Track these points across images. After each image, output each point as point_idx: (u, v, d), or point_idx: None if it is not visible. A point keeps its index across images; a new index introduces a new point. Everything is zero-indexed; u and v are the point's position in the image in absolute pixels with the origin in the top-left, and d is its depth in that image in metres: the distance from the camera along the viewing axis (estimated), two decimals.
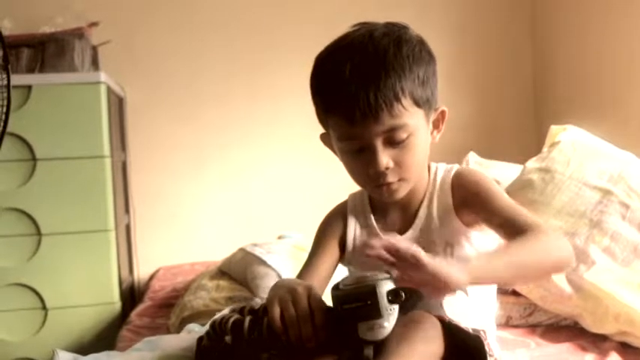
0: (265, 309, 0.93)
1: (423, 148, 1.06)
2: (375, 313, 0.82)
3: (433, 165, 1.15)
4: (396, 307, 0.84)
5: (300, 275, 1.16)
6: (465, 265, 0.90)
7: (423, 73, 1.03)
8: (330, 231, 1.18)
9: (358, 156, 1.04)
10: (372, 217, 1.15)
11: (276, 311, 0.91)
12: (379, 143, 1.01)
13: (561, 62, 2.59)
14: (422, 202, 1.12)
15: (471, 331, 0.95)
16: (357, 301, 0.83)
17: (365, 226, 1.16)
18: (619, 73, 2.24)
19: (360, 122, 1.00)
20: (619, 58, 2.23)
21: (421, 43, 1.07)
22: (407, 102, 1.00)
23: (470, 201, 1.09)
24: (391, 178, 1.03)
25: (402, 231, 1.11)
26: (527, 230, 1.00)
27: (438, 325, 0.91)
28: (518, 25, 2.77)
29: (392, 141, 1.01)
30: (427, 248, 1.00)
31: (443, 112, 1.10)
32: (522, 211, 1.06)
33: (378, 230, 1.13)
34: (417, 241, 1.08)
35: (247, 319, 0.92)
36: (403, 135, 1.01)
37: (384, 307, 0.83)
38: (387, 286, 0.85)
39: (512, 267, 0.96)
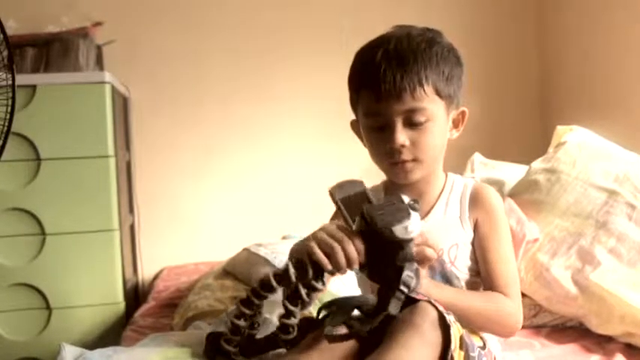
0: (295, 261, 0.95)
1: (440, 137, 1.14)
2: (406, 214, 0.92)
3: (451, 175, 1.23)
4: (417, 213, 0.93)
5: None
6: (429, 285, 1.03)
7: (448, 71, 1.13)
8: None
9: (380, 133, 1.12)
10: None
11: (316, 249, 0.94)
12: (399, 122, 1.10)
13: (567, 63, 2.59)
14: (437, 201, 1.19)
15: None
16: (389, 208, 0.92)
17: None
18: (625, 73, 2.23)
19: (384, 99, 1.09)
20: (625, 59, 2.22)
21: (452, 48, 1.17)
22: (429, 89, 1.10)
23: (480, 224, 1.16)
24: (406, 156, 1.11)
25: None
26: (495, 290, 1.11)
27: (435, 322, 0.94)
28: (524, 25, 2.76)
29: (411, 122, 1.10)
30: (436, 241, 1.08)
31: (463, 113, 1.21)
32: (510, 272, 1.13)
33: None
34: (428, 232, 1.10)
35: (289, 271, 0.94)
36: (421, 118, 1.10)
37: (412, 212, 0.93)
38: (404, 197, 0.96)
39: (465, 311, 1.05)
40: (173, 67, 2.54)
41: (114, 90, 2.12)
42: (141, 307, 2.02)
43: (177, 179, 2.56)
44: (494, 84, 2.73)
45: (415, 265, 0.93)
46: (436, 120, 1.12)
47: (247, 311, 0.97)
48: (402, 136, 1.10)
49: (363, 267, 0.95)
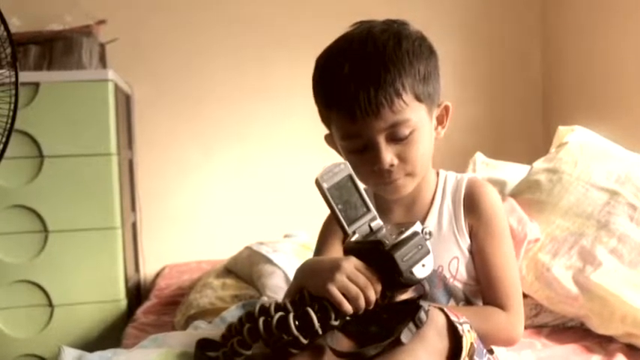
0: (304, 298, 0.91)
1: (428, 143, 1.05)
2: (425, 252, 0.88)
3: (442, 173, 1.14)
4: (429, 245, 0.90)
5: None
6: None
7: (423, 68, 1.02)
8: (331, 233, 1.16)
9: (362, 154, 1.03)
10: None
11: (339, 295, 0.87)
12: (382, 140, 1.00)
13: (569, 63, 2.58)
14: (430, 208, 1.11)
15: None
16: (410, 248, 0.88)
17: None
18: (627, 74, 2.23)
19: (361, 120, 0.99)
20: (627, 60, 2.22)
21: (421, 38, 1.06)
22: (408, 97, 0.99)
23: (475, 231, 1.08)
24: (397, 174, 1.03)
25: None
26: (493, 302, 1.05)
27: (442, 330, 0.91)
28: (526, 25, 2.76)
29: (395, 137, 1.00)
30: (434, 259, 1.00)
31: (446, 107, 1.09)
32: (509, 279, 1.06)
33: None
34: None
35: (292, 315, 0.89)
36: (406, 131, 1.00)
37: (427, 244, 0.89)
38: (417, 227, 0.90)
39: None
40: (176, 65, 2.55)
41: (117, 88, 2.12)
42: (143, 304, 2.03)
43: (180, 177, 2.57)
44: (496, 84, 2.73)
45: (428, 303, 0.91)
46: (421, 128, 1.02)
47: (250, 342, 0.91)
48: (388, 155, 1.00)
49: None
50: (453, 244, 1.08)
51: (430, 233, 0.89)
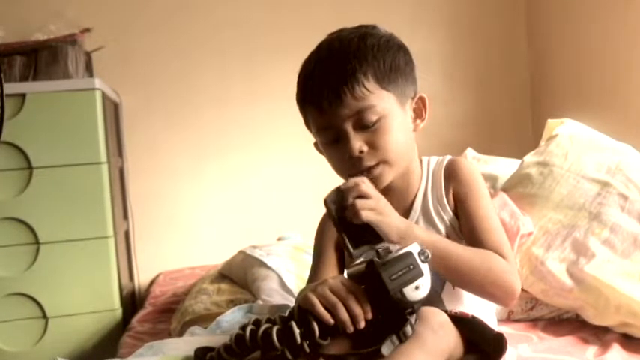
0: (291, 313, 0.91)
1: (402, 133, 1.07)
2: (418, 273, 0.87)
3: (425, 158, 1.17)
4: (427, 265, 0.89)
5: (311, 278, 1.16)
6: (410, 222, 1.02)
7: (390, 60, 1.05)
8: (325, 238, 1.18)
9: (336, 146, 1.07)
10: None
11: (318, 304, 0.88)
12: (349, 128, 1.04)
13: (557, 56, 2.59)
14: (416, 194, 1.13)
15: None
16: (400, 267, 0.87)
17: None
18: (615, 66, 2.24)
19: (328, 110, 1.04)
20: (614, 52, 2.23)
21: (389, 36, 1.10)
22: (371, 85, 1.03)
23: (457, 194, 1.12)
24: (369, 162, 1.05)
25: None
26: (486, 248, 1.06)
27: (439, 329, 0.92)
28: (513, 19, 2.77)
29: (362, 124, 1.04)
30: None
31: (422, 99, 1.12)
32: (496, 230, 1.09)
33: None
34: None
35: (276, 328, 0.90)
36: (373, 117, 1.03)
37: (422, 266, 0.88)
38: (414, 248, 0.90)
39: (449, 256, 1.01)
40: (163, 71, 2.54)
41: (104, 96, 2.11)
42: (138, 313, 2.02)
43: (171, 183, 2.56)
44: (484, 79, 2.74)
45: (415, 316, 0.90)
46: (390, 115, 1.05)
47: (237, 350, 0.93)
48: (357, 142, 1.03)
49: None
50: (440, 223, 1.11)
51: (427, 255, 0.88)
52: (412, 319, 0.89)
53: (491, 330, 0.99)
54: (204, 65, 2.57)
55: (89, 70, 2.19)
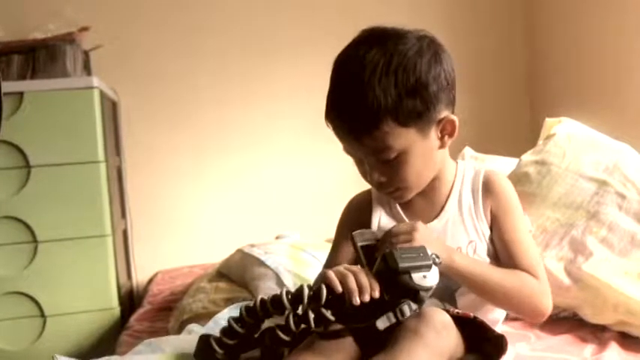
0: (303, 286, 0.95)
1: (422, 162, 1.07)
2: (427, 265, 0.93)
3: (461, 163, 1.19)
4: (437, 269, 0.94)
5: (328, 263, 1.18)
6: (451, 249, 1.04)
7: (412, 84, 1.00)
8: (353, 219, 1.18)
9: (360, 165, 1.09)
10: (398, 206, 1.16)
11: (330, 273, 0.93)
12: (369, 159, 1.05)
13: (555, 55, 2.60)
14: (449, 195, 1.14)
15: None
16: (412, 254, 0.93)
17: (390, 215, 1.16)
18: (613, 64, 2.24)
19: (347, 142, 1.05)
20: (612, 50, 2.23)
21: (419, 48, 1.03)
22: (388, 125, 1.00)
23: (494, 210, 1.13)
24: (388, 188, 1.08)
25: (427, 221, 1.12)
26: (520, 269, 1.08)
27: (441, 330, 0.93)
28: (511, 18, 2.77)
29: (381, 159, 1.04)
30: (452, 241, 1.09)
31: (451, 123, 1.09)
32: (529, 251, 1.11)
33: (405, 217, 1.14)
34: (443, 232, 1.11)
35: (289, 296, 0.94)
36: (391, 155, 1.03)
37: (434, 262, 0.94)
38: (428, 250, 0.96)
39: (484, 281, 1.04)
40: (161, 70, 2.53)
41: (102, 95, 2.11)
42: (136, 311, 2.02)
43: (169, 182, 2.56)
44: (482, 78, 2.73)
45: (417, 308, 0.93)
46: (410, 150, 1.03)
47: (249, 320, 0.96)
48: (375, 174, 1.05)
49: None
50: (471, 229, 1.12)
51: (437, 257, 0.94)
52: (412, 304, 0.92)
53: (492, 331, 0.99)
54: (203, 64, 2.56)
55: (87, 68, 2.19)
